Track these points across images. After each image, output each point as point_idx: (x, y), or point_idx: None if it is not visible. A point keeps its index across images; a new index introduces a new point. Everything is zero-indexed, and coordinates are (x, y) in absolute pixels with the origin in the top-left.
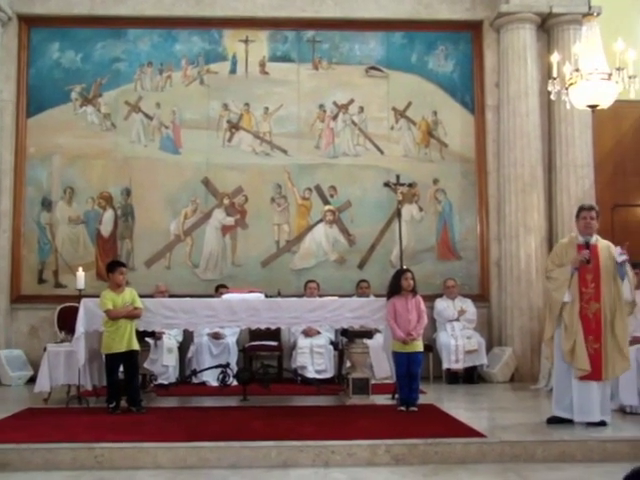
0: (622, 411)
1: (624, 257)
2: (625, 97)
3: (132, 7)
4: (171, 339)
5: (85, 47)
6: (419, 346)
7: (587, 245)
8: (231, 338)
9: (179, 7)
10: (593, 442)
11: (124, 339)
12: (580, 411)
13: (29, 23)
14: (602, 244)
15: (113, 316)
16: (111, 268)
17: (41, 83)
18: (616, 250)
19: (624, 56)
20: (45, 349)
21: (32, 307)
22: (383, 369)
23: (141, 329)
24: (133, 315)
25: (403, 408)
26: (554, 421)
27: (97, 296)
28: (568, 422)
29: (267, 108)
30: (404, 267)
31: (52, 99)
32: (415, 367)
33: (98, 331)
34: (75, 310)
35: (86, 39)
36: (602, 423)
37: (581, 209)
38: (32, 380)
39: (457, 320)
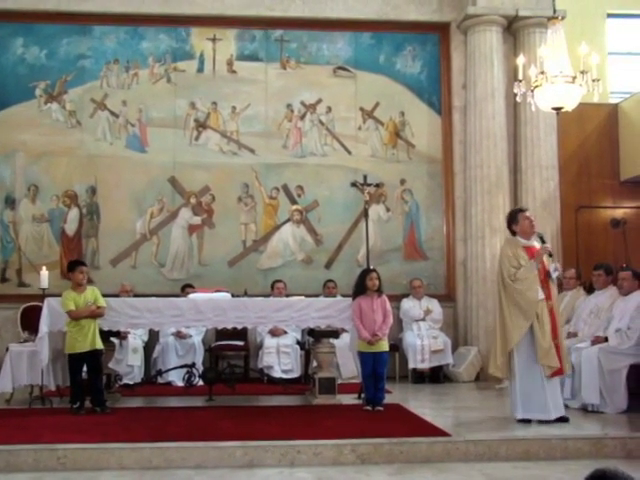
0: (584, 410)
1: (557, 273)
2: (589, 100)
3: (99, 4)
4: (136, 339)
5: (50, 43)
6: (385, 346)
7: (543, 240)
8: (197, 338)
9: (146, 4)
10: (555, 440)
11: (87, 338)
12: (554, 408)
13: None
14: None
15: (75, 316)
16: (71, 267)
17: (4, 79)
18: (551, 266)
19: (588, 59)
20: (7, 349)
21: None
22: (349, 369)
23: (106, 329)
24: (96, 314)
25: (369, 408)
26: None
27: (61, 295)
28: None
29: (234, 107)
30: (370, 267)
31: (16, 95)
32: (381, 367)
33: (62, 331)
34: (39, 309)
35: (51, 35)
36: (566, 418)
37: (519, 211)
38: None
39: (423, 320)
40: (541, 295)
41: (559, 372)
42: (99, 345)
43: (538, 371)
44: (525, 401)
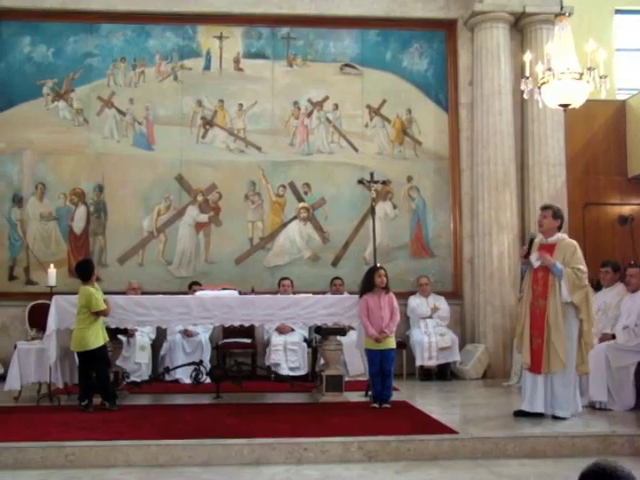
0: (592, 407)
1: (539, 263)
2: (596, 96)
3: (105, 2)
4: (144, 336)
5: (57, 41)
6: (392, 343)
7: (531, 241)
8: (204, 335)
9: (153, 2)
10: (563, 438)
11: (101, 333)
12: (528, 400)
13: None
14: (563, 244)
15: (107, 314)
16: (91, 267)
17: (11, 78)
18: (533, 256)
19: (595, 56)
20: (15, 347)
21: (2, 304)
22: (356, 366)
23: (114, 326)
24: None
25: (376, 405)
26: (521, 414)
27: (69, 293)
28: (540, 415)
29: (241, 105)
30: (377, 264)
31: (23, 94)
32: (388, 364)
33: (69, 328)
34: (46, 307)
35: (58, 33)
36: (561, 417)
37: (540, 208)
38: (2, 378)
39: (430, 317)
40: (519, 293)
41: (534, 369)
42: (107, 338)
43: None
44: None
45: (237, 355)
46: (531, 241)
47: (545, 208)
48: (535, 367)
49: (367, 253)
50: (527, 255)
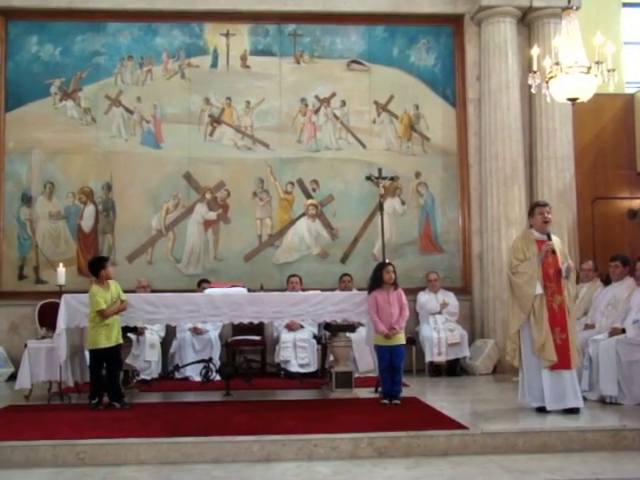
0: (602, 401)
1: (567, 274)
2: (605, 90)
3: (112, 0)
4: (153, 334)
5: (64, 40)
6: (401, 339)
7: (549, 237)
8: (213, 333)
9: (159, 0)
10: (573, 432)
11: (113, 334)
12: (554, 400)
13: (7, 16)
14: (555, 239)
15: (107, 315)
16: (102, 263)
17: (19, 77)
18: (563, 266)
19: (603, 50)
20: (26, 345)
21: (12, 303)
22: (366, 362)
23: (123, 324)
24: (122, 310)
25: (386, 401)
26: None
27: (78, 292)
28: (543, 409)
29: (249, 102)
30: (385, 260)
31: (31, 93)
32: (397, 360)
33: (79, 327)
34: (56, 306)
35: (65, 32)
36: (576, 410)
37: (536, 205)
38: (13, 377)
39: (440, 313)
40: (539, 290)
41: (562, 365)
42: (122, 339)
43: (537, 362)
44: (528, 387)
45: (247, 352)
46: (549, 237)
47: (546, 204)
48: (564, 363)
49: (376, 249)
50: (555, 251)
